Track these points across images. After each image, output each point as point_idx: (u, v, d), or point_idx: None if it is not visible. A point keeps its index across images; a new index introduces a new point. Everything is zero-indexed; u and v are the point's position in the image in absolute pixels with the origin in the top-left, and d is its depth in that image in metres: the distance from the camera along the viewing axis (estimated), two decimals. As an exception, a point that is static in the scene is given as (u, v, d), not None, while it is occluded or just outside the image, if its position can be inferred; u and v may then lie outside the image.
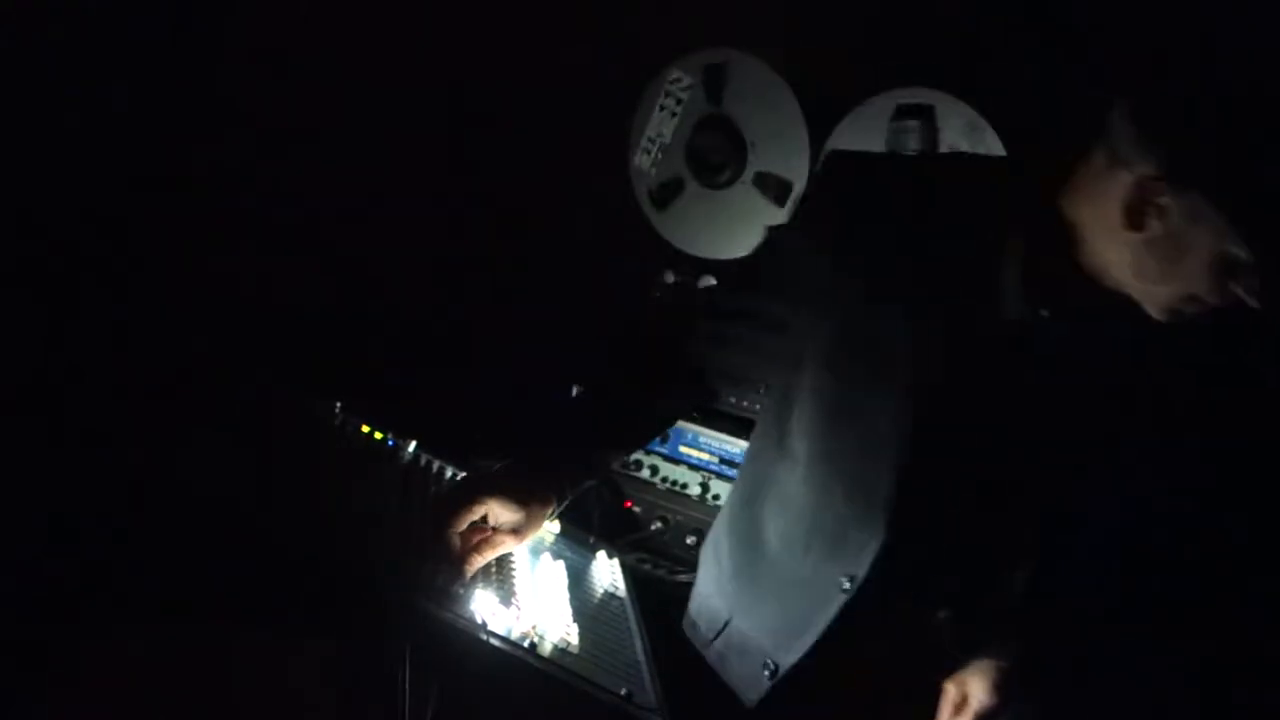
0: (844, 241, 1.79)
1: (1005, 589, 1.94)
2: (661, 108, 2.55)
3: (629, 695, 1.69)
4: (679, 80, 2.54)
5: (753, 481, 2.00)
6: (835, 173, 1.82)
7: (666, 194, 2.56)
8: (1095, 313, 1.69)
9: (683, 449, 2.57)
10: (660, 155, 2.55)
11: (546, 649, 1.71)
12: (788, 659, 1.92)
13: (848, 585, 1.84)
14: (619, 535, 2.51)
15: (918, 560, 1.84)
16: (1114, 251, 1.62)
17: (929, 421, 1.77)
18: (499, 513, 1.78)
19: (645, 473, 2.59)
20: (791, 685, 1.93)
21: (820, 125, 2.44)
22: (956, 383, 1.75)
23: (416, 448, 2.24)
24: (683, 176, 2.53)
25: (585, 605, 1.98)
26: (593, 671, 1.72)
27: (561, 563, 2.04)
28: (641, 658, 1.88)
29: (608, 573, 2.19)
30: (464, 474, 2.25)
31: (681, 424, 2.56)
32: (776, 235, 1.91)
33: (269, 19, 2.65)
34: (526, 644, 1.69)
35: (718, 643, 2.04)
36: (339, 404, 2.27)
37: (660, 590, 2.39)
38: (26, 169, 2.35)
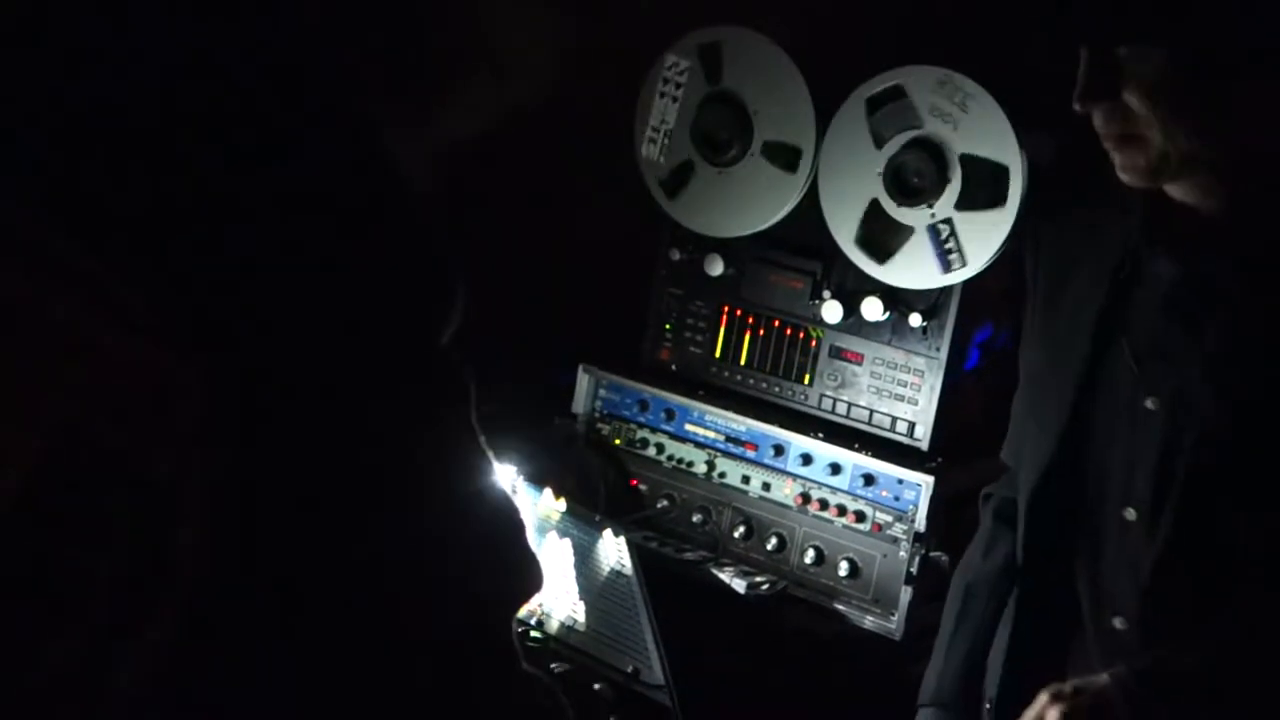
0: (1035, 245, 1.90)
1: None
2: (662, 95, 2.54)
3: (635, 672, 1.70)
4: (676, 65, 2.53)
5: None
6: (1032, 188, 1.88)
7: (677, 180, 2.55)
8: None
9: (689, 427, 2.57)
10: (667, 142, 2.54)
11: (553, 626, 1.72)
12: None
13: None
14: (625, 513, 2.51)
15: None
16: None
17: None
18: None
19: (651, 450, 2.60)
20: None
21: (823, 89, 2.42)
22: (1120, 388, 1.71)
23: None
24: (692, 160, 2.52)
25: (592, 583, 1.98)
26: (599, 649, 1.73)
27: (568, 540, 2.04)
28: (648, 636, 1.89)
29: (614, 551, 2.19)
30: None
31: (688, 401, 2.57)
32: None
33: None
34: (533, 621, 1.70)
35: None
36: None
37: (666, 568, 2.39)
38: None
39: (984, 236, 2.30)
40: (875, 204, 2.36)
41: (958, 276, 2.34)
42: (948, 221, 2.32)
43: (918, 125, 2.30)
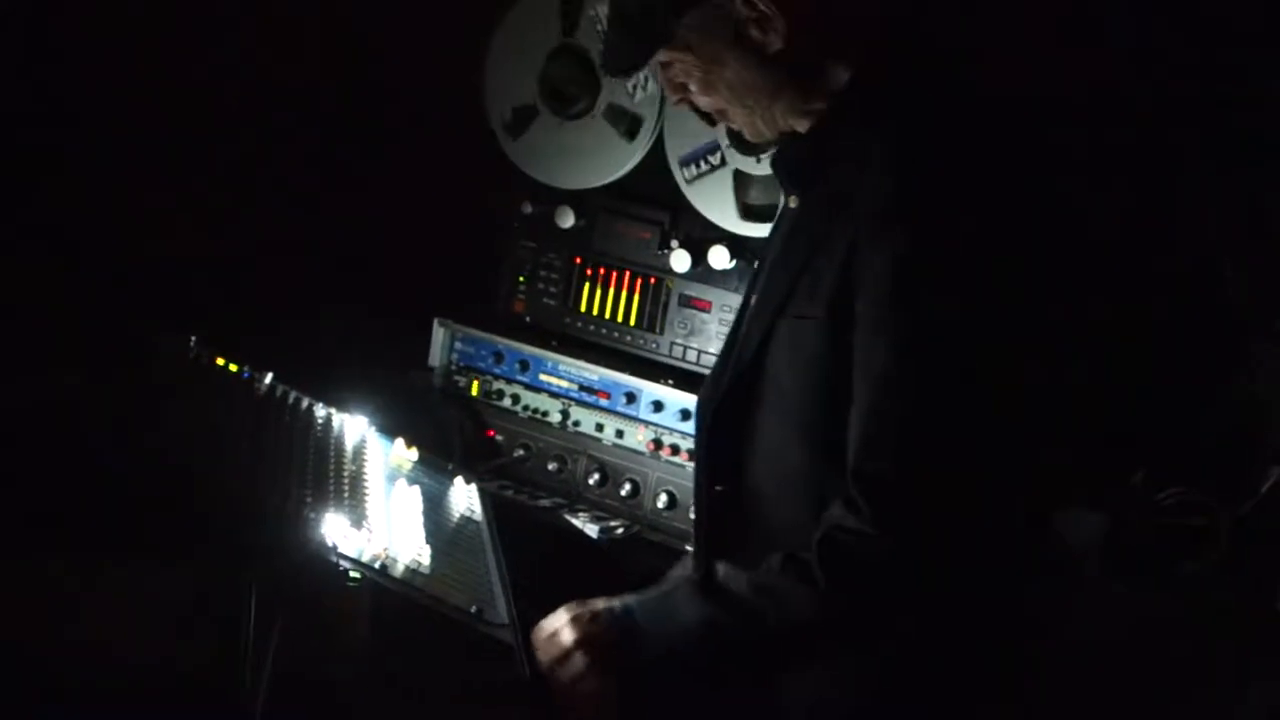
0: None
1: None
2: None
3: (479, 612, 1.73)
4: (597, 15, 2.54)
5: None
6: None
7: (520, 121, 2.59)
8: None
9: (543, 377, 2.60)
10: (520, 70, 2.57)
11: (398, 570, 1.75)
12: None
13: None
14: (481, 463, 2.54)
15: None
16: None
17: None
18: None
19: (507, 401, 2.63)
20: None
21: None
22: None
23: (274, 379, 2.25)
24: (536, 105, 2.56)
25: (440, 529, 2.02)
26: (444, 590, 1.77)
27: (417, 488, 2.07)
28: (494, 577, 1.93)
29: (465, 497, 2.23)
30: (321, 404, 2.27)
31: (541, 352, 2.60)
32: None
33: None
34: (378, 565, 1.73)
35: None
36: (194, 337, 2.27)
37: (522, 516, 2.43)
38: None
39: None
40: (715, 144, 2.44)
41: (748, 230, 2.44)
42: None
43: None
